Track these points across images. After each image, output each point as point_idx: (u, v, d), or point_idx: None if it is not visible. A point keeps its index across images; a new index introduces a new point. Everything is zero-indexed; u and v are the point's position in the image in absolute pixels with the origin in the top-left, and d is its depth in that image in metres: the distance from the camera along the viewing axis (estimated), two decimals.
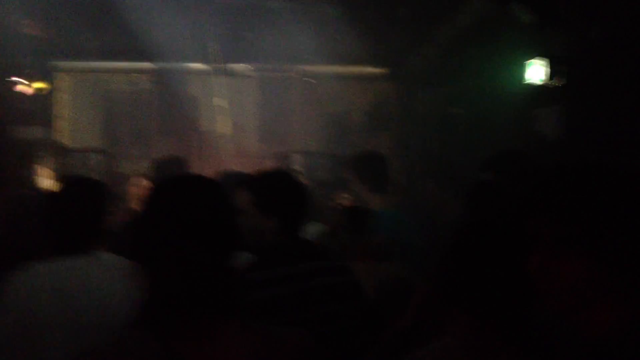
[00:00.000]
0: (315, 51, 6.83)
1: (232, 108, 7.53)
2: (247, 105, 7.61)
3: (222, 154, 7.34)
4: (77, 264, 2.13)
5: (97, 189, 2.27)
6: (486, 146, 4.99)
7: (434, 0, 5.45)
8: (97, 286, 2.10)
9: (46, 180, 3.79)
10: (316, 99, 7.64)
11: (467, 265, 1.42)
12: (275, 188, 2.27)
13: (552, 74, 4.20)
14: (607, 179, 1.12)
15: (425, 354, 1.47)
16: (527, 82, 4.42)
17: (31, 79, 6.77)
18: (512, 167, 2.78)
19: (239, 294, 1.35)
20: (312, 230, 3.42)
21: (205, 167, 7.01)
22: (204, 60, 6.84)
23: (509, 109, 4.92)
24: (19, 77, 6.72)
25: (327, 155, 6.56)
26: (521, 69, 4.45)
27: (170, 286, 1.24)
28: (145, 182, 5.46)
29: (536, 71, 4.31)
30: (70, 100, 7.39)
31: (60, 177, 3.68)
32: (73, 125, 7.37)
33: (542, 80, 4.29)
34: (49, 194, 2.26)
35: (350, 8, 5.67)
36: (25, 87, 6.75)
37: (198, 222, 1.26)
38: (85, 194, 2.21)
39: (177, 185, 1.35)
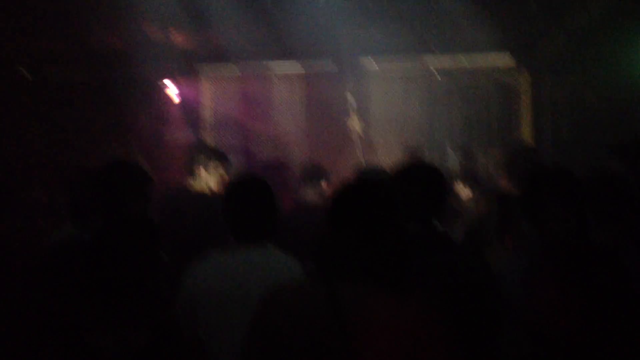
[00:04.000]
0: (442, 43, 6.90)
1: (363, 103, 7.74)
2: (376, 100, 7.81)
3: (356, 149, 7.61)
4: (249, 254, 2.49)
5: (267, 188, 2.60)
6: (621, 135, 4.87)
7: None
8: (264, 273, 2.43)
9: (211, 181, 4.16)
10: (444, 91, 7.70)
11: None
12: (411, 180, 2.38)
13: None
14: None
15: None
16: None
17: (180, 84, 7.41)
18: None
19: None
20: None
21: (341, 164, 7.33)
22: (333, 57, 7.09)
23: None
24: (169, 82, 7.39)
25: (459, 148, 6.59)
26: None
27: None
28: None
29: None
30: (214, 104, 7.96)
31: (232, 179, 3.99)
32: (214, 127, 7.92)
33: None
34: (228, 193, 2.60)
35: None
36: (175, 92, 7.41)
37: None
38: (258, 192, 2.55)
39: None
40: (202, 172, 4.12)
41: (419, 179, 2.39)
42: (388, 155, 7.45)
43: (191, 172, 4.15)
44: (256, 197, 2.58)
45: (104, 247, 1.91)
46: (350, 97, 6.92)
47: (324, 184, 4.28)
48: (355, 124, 6.94)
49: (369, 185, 1.90)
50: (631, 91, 5.02)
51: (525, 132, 7.58)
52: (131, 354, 1.75)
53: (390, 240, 1.73)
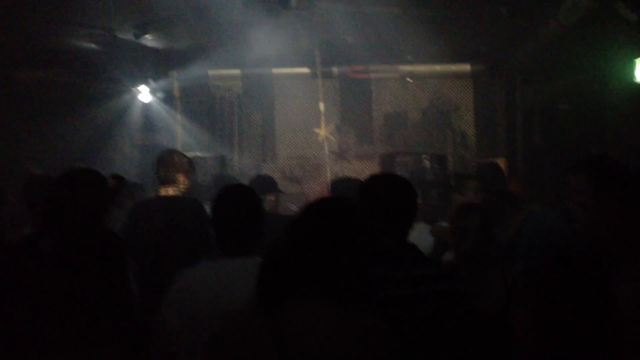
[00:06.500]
0: (415, 52, 6.96)
1: (335, 110, 7.78)
2: (348, 107, 7.85)
3: (326, 155, 7.65)
4: (239, 265, 2.44)
5: (256, 198, 2.58)
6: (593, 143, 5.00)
7: None
8: (250, 283, 2.41)
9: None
10: (419, 98, 7.77)
11: None
12: (382, 192, 2.37)
13: None
14: None
15: None
16: (636, 80, 4.39)
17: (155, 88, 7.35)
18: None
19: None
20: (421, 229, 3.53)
21: (313, 170, 7.35)
22: (306, 64, 7.11)
23: (614, 107, 4.89)
24: (145, 86, 7.31)
25: (435, 156, 6.63)
26: (631, 67, 4.43)
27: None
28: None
29: None
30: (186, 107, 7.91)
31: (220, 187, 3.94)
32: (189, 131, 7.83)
33: None
34: (217, 203, 2.57)
35: (450, 8, 5.76)
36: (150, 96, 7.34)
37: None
38: (249, 203, 2.53)
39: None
40: (182, 178, 4.06)
41: (387, 192, 2.37)
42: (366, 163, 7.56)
43: (168, 180, 4.08)
44: (247, 208, 2.54)
45: (70, 258, 1.78)
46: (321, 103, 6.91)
47: (272, 196, 4.28)
48: (323, 131, 6.93)
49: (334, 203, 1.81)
50: (601, 100, 5.13)
51: (501, 139, 7.70)
52: None
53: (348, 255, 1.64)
